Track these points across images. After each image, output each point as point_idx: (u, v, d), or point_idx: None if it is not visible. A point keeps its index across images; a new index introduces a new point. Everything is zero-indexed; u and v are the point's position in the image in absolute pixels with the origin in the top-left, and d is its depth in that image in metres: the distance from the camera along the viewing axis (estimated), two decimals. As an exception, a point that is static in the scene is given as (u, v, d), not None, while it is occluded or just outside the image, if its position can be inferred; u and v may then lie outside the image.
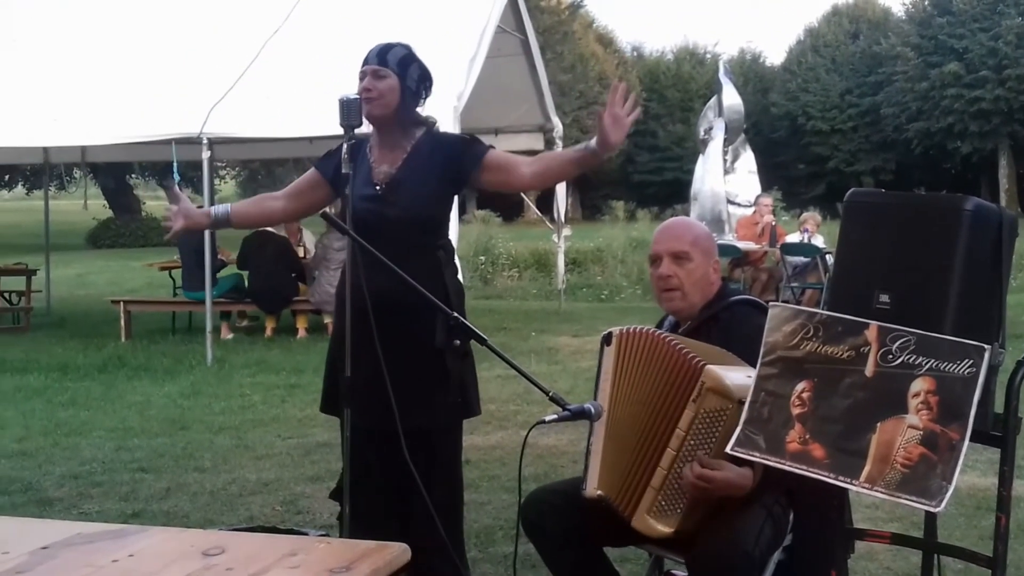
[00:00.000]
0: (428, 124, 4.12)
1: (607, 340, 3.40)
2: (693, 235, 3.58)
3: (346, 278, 3.66)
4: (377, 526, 3.87)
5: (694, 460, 3.13)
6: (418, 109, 4.10)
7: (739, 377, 3.13)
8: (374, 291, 3.55)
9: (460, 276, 4.21)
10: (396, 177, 3.99)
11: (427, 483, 3.57)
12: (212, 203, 12.34)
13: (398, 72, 3.97)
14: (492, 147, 4.07)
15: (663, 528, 3.19)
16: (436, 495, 3.63)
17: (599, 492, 3.31)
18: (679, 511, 3.19)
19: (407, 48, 4.06)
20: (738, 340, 3.29)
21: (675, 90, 53.00)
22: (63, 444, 7.41)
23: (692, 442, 3.15)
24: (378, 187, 3.97)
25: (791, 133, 50.54)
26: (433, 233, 4.04)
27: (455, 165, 4.00)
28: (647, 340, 3.32)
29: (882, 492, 2.74)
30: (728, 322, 3.45)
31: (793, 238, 14.92)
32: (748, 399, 3.01)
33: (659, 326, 3.70)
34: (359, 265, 3.58)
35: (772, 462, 2.92)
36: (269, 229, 13.52)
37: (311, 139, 11.91)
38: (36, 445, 7.37)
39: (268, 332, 12.80)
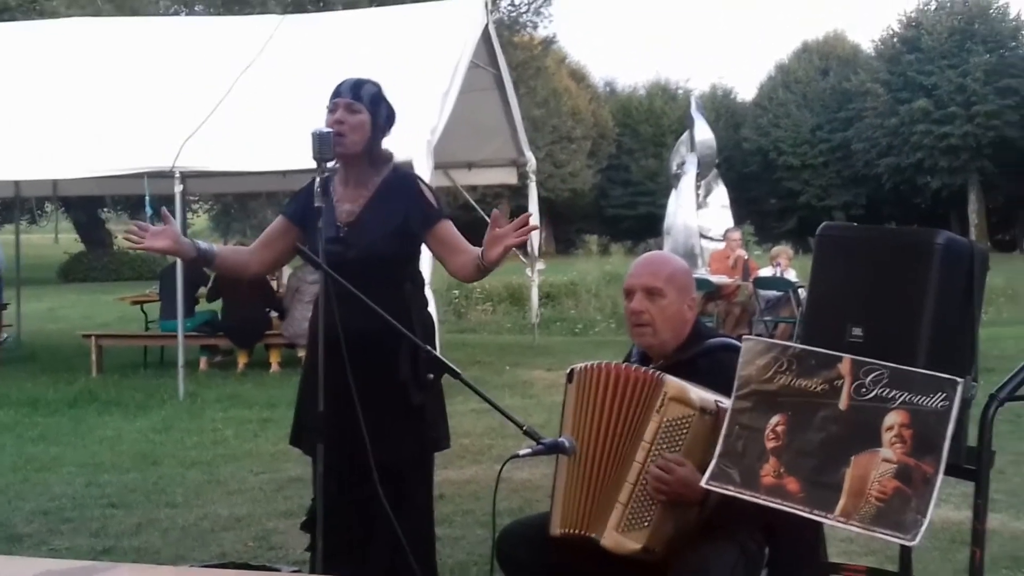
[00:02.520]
0: (391, 159, 4.13)
1: (569, 378, 3.42)
2: (669, 271, 3.54)
3: (318, 312, 3.65)
4: (344, 560, 3.84)
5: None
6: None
7: (700, 390, 3.18)
8: (343, 325, 3.55)
9: (432, 308, 4.20)
10: (358, 218, 3.98)
11: (396, 517, 3.55)
12: (185, 236, 12.31)
13: (370, 108, 3.97)
14: (448, 218, 4.08)
15: (632, 544, 3.16)
16: (405, 528, 3.61)
17: (560, 531, 3.30)
18: (647, 524, 3.16)
19: (377, 85, 4.07)
20: (724, 389, 3.19)
21: (647, 125, 53.40)
22: (33, 480, 7.33)
23: (656, 452, 3.15)
24: (340, 230, 3.96)
25: (763, 168, 50.98)
26: (398, 268, 4.03)
27: (410, 221, 4.00)
28: (606, 373, 3.32)
29: (857, 526, 2.74)
30: (708, 370, 3.37)
31: (765, 272, 14.98)
32: (723, 433, 3.01)
33: (627, 358, 3.69)
34: (332, 298, 3.57)
35: (747, 496, 2.92)
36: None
37: (284, 172, 11.91)
38: (5, 481, 7.29)
39: (240, 366, 12.75)
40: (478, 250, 3.85)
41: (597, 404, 3.30)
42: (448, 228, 4.06)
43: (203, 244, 4.13)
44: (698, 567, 3.08)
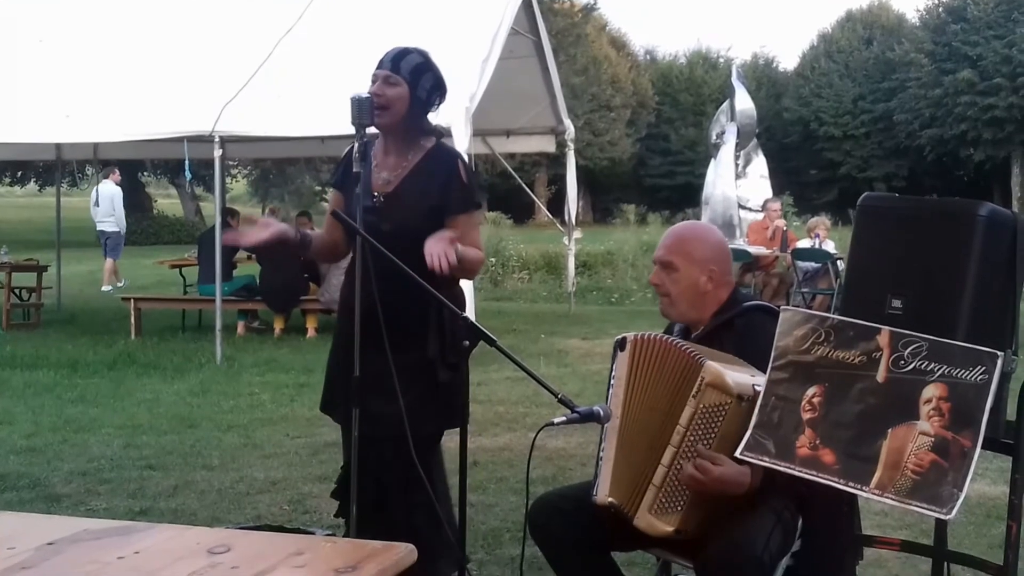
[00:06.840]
0: (439, 134, 4.06)
1: (620, 345, 3.38)
2: (683, 245, 3.55)
3: (355, 279, 3.62)
4: (366, 525, 3.84)
5: (694, 455, 3.12)
6: (430, 116, 4.02)
7: (741, 375, 3.14)
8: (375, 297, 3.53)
9: (466, 283, 4.16)
10: (395, 190, 3.93)
11: (407, 489, 3.57)
12: (224, 202, 12.38)
13: (409, 80, 3.88)
14: (478, 206, 4.07)
15: (664, 526, 3.18)
16: (418, 499, 3.63)
17: (610, 499, 3.29)
18: (680, 509, 3.17)
19: (423, 56, 3.97)
20: (753, 347, 3.24)
21: (688, 94, 53.02)
22: (72, 441, 7.41)
23: (692, 438, 3.14)
24: (375, 200, 3.91)
25: (803, 138, 50.54)
26: None
27: (445, 198, 3.94)
28: (661, 347, 3.31)
29: (892, 499, 2.72)
30: (743, 329, 3.41)
31: (804, 243, 14.90)
32: (758, 403, 3.00)
33: (667, 331, 3.68)
34: (368, 263, 3.53)
35: (782, 467, 2.91)
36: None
37: (323, 138, 11.93)
38: (45, 441, 7.38)
39: (277, 332, 12.82)
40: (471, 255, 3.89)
41: (652, 381, 3.30)
42: (470, 221, 4.01)
43: (302, 230, 4.13)
44: (735, 534, 3.07)
